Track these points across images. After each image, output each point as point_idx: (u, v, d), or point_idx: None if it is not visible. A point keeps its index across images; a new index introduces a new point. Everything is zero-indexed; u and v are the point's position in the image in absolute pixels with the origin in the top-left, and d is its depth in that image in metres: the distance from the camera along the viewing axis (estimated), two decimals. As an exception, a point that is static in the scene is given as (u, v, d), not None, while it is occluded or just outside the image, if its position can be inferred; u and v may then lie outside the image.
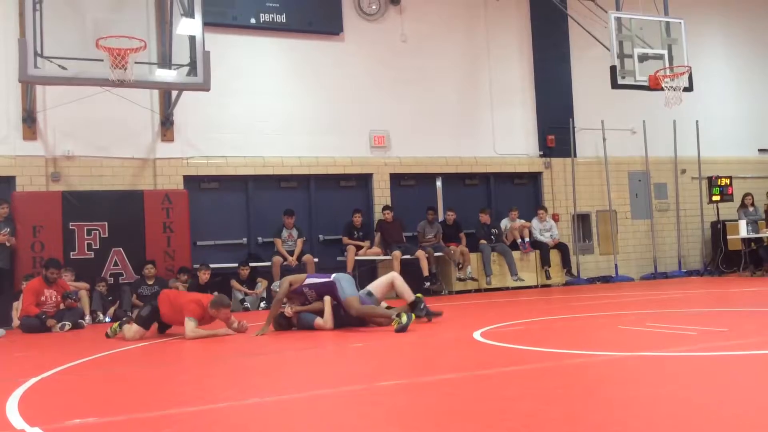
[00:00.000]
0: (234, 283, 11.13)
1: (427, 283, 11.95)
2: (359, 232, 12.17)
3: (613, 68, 11.12)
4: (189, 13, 9.09)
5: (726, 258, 14.15)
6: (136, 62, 8.52)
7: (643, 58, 11.30)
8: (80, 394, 4.63)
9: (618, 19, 11.26)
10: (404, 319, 6.71)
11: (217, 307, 7.40)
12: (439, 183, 13.58)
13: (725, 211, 14.48)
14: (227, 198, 12.20)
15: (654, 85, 11.19)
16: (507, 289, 12.66)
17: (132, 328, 7.55)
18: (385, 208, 12.45)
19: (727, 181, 14.33)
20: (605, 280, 13.73)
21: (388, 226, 12.36)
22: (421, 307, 7.52)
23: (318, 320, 7.32)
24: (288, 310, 7.41)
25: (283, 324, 7.53)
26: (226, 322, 7.63)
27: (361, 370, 5.14)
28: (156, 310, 7.61)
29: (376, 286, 7.79)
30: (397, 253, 11.93)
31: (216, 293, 8.11)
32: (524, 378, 4.29)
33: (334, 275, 7.45)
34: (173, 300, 7.62)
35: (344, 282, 7.34)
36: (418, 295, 7.74)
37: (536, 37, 14.28)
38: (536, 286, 12.93)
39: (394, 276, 7.83)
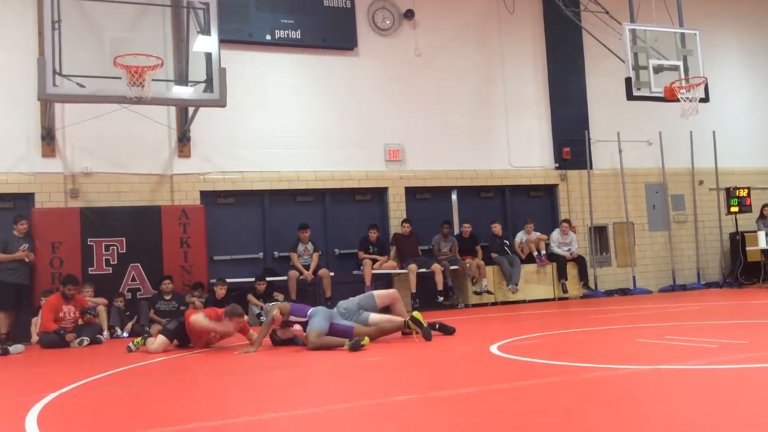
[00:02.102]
0: (250, 297, 11.16)
1: (441, 298, 11.93)
2: (374, 247, 12.16)
3: (628, 80, 11.06)
4: (205, 31, 9.19)
5: (745, 269, 13.98)
6: (153, 79, 8.61)
7: (658, 69, 11.24)
8: (99, 409, 4.65)
9: (632, 31, 11.22)
10: (353, 343, 6.79)
11: (230, 316, 7.55)
12: (454, 196, 13.57)
13: (744, 222, 14.33)
14: (243, 213, 12.26)
15: (670, 97, 11.12)
16: (524, 302, 12.59)
17: (157, 341, 7.73)
18: (405, 221, 12.46)
19: (746, 192, 14.19)
20: (623, 292, 13.61)
21: (404, 240, 12.36)
22: (425, 326, 7.48)
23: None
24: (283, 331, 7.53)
25: (277, 341, 7.66)
26: (243, 334, 7.77)
27: (376, 384, 5.13)
28: (182, 325, 7.78)
29: (379, 294, 7.98)
30: (413, 266, 11.92)
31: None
32: (542, 392, 4.26)
33: (310, 311, 7.42)
34: (196, 327, 7.76)
35: (314, 318, 7.30)
36: (415, 313, 7.60)
37: (550, 49, 14.28)
38: (553, 299, 12.84)
39: (397, 298, 7.96)
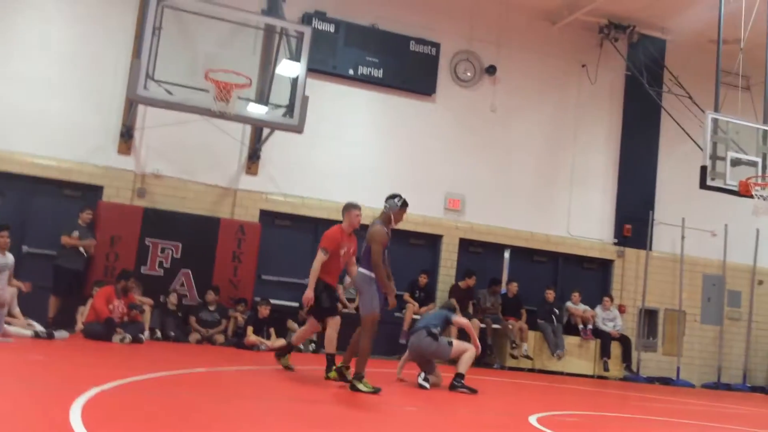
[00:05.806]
0: (290, 322, 11.20)
1: None
2: (422, 292, 12.12)
3: (703, 168, 10.87)
4: (295, 58, 9.41)
5: (795, 380, 13.47)
6: (238, 97, 8.83)
7: (735, 162, 11.03)
8: (143, 413, 4.68)
9: (715, 120, 11.07)
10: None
11: (348, 209, 7.81)
12: (507, 255, 13.46)
13: (801, 330, 13.86)
14: (297, 237, 12.36)
15: (744, 192, 10.87)
16: (561, 374, 12.32)
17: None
18: (471, 273, 12.28)
19: (806, 301, 13.74)
20: (665, 381, 13.21)
21: (460, 293, 12.18)
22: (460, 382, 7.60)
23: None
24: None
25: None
26: (354, 225, 7.97)
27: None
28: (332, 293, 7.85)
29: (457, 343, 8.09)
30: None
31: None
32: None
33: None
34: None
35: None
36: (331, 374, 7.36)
37: (626, 123, 14.18)
38: (592, 377, 12.53)
39: (470, 349, 7.91)
